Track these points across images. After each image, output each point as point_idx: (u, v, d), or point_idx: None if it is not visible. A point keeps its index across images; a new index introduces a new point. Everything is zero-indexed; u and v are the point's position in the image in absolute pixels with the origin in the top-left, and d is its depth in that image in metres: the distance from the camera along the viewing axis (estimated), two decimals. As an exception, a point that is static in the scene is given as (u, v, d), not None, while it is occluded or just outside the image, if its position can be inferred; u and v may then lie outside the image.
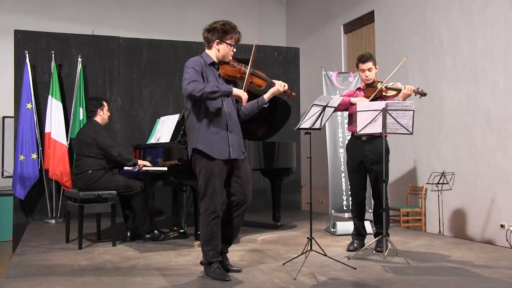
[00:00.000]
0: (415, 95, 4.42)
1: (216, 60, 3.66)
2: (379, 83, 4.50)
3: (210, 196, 3.52)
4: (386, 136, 4.33)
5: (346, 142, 6.10)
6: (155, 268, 3.95)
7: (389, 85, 4.51)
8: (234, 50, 3.70)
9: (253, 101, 3.75)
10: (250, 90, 3.86)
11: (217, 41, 3.62)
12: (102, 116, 5.25)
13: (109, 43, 7.46)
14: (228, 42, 3.62)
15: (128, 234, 5.23)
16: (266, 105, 3.75)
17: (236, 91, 3.54)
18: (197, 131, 3.56)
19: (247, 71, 3.67)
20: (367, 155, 4.52)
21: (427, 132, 6.59)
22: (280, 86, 3.69)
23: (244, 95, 3.55)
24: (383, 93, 4.48)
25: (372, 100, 4.44)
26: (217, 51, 3.64)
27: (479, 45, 5.91)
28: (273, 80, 3.75)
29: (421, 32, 6.80)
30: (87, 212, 4.84)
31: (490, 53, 5.77)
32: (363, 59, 4.55)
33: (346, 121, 6.10)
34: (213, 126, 3.56)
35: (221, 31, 3.60)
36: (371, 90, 4.52)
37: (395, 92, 4.46)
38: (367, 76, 4.55)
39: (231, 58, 3.71)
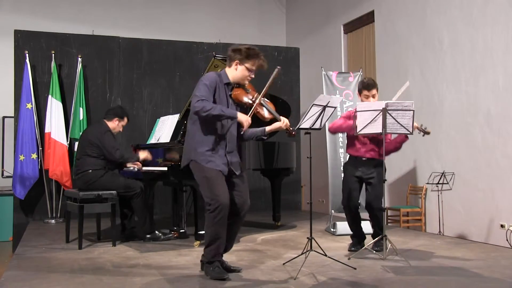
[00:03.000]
0: (418, 132, 4.42)
1: (231, 81, 3.69)
2: None
3: (215, 196, 3.52)
4: (384, 160, 4.39)
5: (346, 142, 6.11)
6: (155, 268, 3.95)
7: None
8: (252, 75, 3.71)
9: (256, 129, 3.78)
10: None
11: (237, 62, 3.66)
12: (114, 125, 5.22)
13: (109, 43, 7.46)
14: (247, 66, 3.65)
15: (124, 232, 5.22)
16: (265, 138, 3.80)
17: (240, 116, 3.57)
18: (197, 144, 3.60)
19: (257, 101, 3.66)
20: (366, 172, 4.56)
21: (427, 132, 6.58)
22: (283, 124, 3.69)
23: (247, 122, 3.57)
24: None
25: None
26: (234, 71, 3.68)
27: (479, 45, 5.91)
28: (280, 117, 3.72)
29: (421, 32, 6.79)
30: (87, 212, 4.84)
31: (490, 53, 5.77)
32: (369, 87, 4.53)
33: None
34: (213, 144, 3.60)
35: (244, 54, 3.65)
36: None
37: None
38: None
39: (247, 82, 3.72)
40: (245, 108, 3.74)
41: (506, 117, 5.56)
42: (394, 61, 7.07)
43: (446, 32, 6.38)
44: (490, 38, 5.77)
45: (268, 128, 3.75)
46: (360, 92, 4.62)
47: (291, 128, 3.73)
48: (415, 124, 4.38)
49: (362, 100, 4.64)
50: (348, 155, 4.78)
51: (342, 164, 5.12)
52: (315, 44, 9.30)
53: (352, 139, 4.65)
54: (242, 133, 3.77)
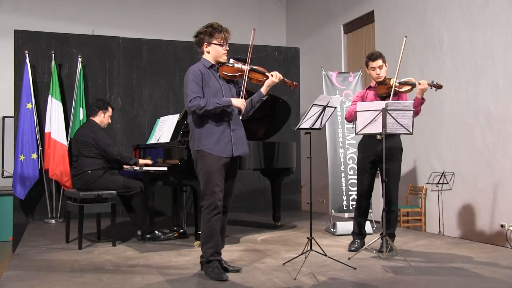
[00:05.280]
0: (431, 88, 4.35)
1: (213, 63, 3.71)
2: (391, 80, 4.45)
3: (211, 193, 3.56)
4: (399, 136, 4.33)
5: (346, 142, 6.12)
6: (155, 268, 3.95)
7: (402, 80, 4.45)
8: (227, 48, 3.73)
9: (255, 94, 3.78)
10: (251, 91, 3.86)
11: (206, 44, 3.70)
12: (101, 118, 5.23)
13: (109, 43, 7.46)
14: (215, 42, 3.67)
15: (139, 232, 5.20)
16: (265, 98, 3.77)
17: (234, 102, 3.61)
18: (201, 131, 3.63)
19: (246, 68, 3.70)
20: (380, 154, 4.36)
21: (427, 132, 6.59)
22: (275, 77, 3.71)
23: (242, 105, 3.61)
24: (397, 89, 4.42)
25: (389, 98, 4.36)
26: (208, 54, 3.71)
27: (479, 45, 5.91)
28: (270, 73, 3.75)
29: (421, 32, 6.80)
30: (87, 212, 4.84)
31: (490, 53, 5.77)
32: (373, 57, 4.50)
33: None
34: (217, 125, 3.62)
35: (205, 34, 3.68)
36: (384, 88, 4.47)
37: (409, 87, 4.41)
38: (378, 74, 4.50)
39: (225, 58, 3.73)
40: (237, 80, 3.79)
41: (506, 117, 5.56)
42: (394, 61, 7.05)
43: (446, 32, 6.38)
44: (490, 38, 5.77)
45: (263, 89, 3.73)
46: (366, 65, 4.56)
47: (285, 79, 3.78)
48: (425, 81, 4.30)
49: (370, 74, 4.58)
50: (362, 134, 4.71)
51: (357, 144, 4.94)
52: (315, 44, 9.30)
53: None
54: (240, 117, 3.76)
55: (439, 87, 4.36)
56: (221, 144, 3.60)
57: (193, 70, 3.66)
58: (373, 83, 4.62)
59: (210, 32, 3.66)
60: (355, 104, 4.47)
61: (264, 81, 3.75)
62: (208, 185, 3.57)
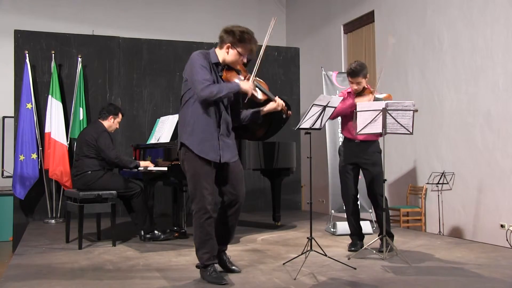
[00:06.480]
0: None
1: (221, 62, 3.55)
2: (370, 94, 4.49)
3: (201, 196, 3.43)
4: (377, 140, 4.38)
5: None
6: (155, 268, 3.95)
7: (381, 97, 4.47)
8: (244, 60, 3.60)
9: (250, 110, 3.74)
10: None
11: (229, 45, 3.50)
12: (110, 123, 5.23)
13: (109, 43, 7.46)
14: (239, 50, 3.50)
15: (142, 232, 5.19)
16: (259, 121, 3.75)
17: (243, 85, 3.47)
18: (189, 129, 3.46)
19: (251, 83, 3.56)
20: (361, 157, 4.54)
21: (427, 132, 6.59)
22: (278, 105, 3.65)
23: (250, 91, 3.48)
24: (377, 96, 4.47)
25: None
26: (226, 54, 3.53)
27: (479, 45, 5.91)
28: (274, 97, 3.68)
29: (421, 32, 6.80)
30: (87, 212, 4.84)
31: (490, 53, 5.77)
32: (352, 74, 4.47)
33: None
34: (207, 127, 3.46)
35: (237, 37, 3.48)
36: (362, 98, 4.49)
37: (386, 95, 4.47)
38: (355, 88, 4.53)
39: (238, 67, 3.63)
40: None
41: (506, 117, 5.56)
42: (394, 61, 7.07)
43: (446, 32, 6.38)
44: (490, 38, 5.77)
45: (264, 109, 3.69)
46: (347, 76, 4.58)
47: (285, 108, 3.71)
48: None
49: (349, 84, 4.60)
50: (343, 137, 4.75)
51: (338, 147, 5.02)
52: (315, 44, 9.30)
53: (346, 121, 4.61)
54: (242, 110, 3.69)
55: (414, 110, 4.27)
56: (207, 146, 3.44)
57: (198, 56, 3.46)
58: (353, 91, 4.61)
59: (242, 38, 3.48)
60: (342, 97, 4.49)
61: (262, 101, 3.65)
62: (196, 188, 3.44)
